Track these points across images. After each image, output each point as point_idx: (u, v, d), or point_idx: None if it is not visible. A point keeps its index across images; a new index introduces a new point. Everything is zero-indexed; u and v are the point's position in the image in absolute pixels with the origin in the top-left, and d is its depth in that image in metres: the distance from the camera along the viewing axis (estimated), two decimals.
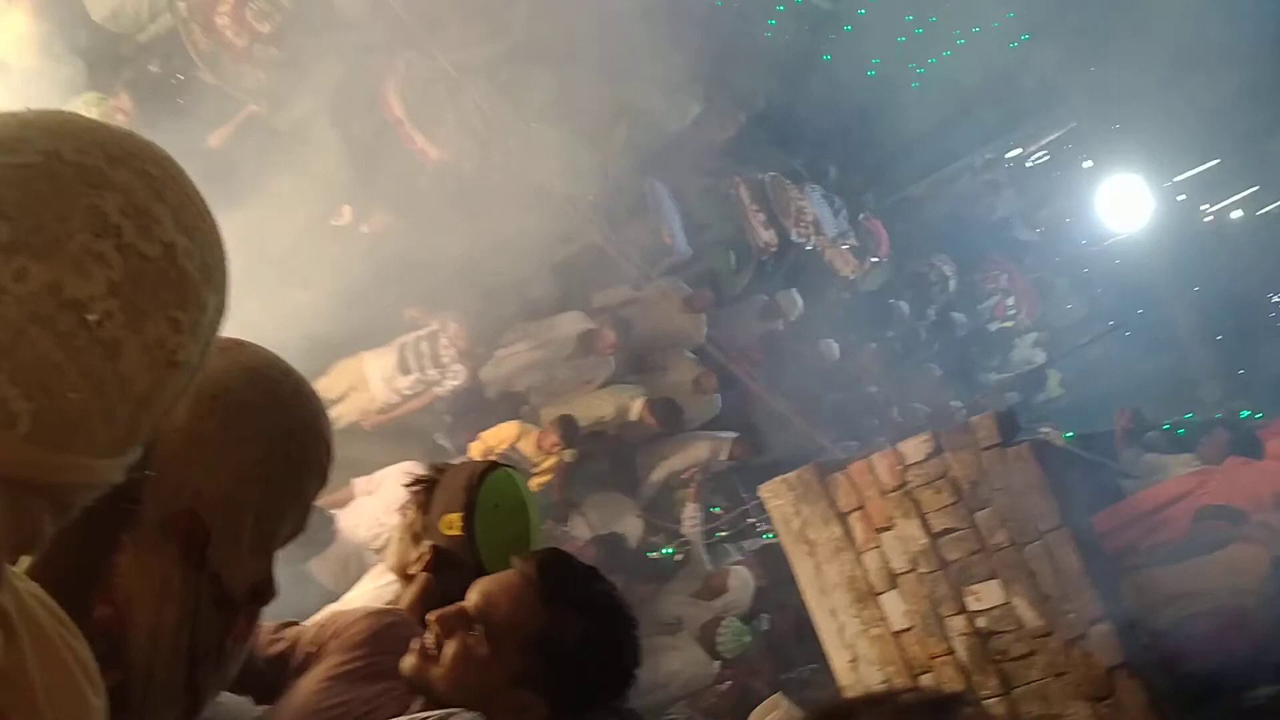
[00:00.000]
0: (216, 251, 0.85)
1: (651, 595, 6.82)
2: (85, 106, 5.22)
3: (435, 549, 2.04)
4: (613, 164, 8.17)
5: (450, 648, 1.64)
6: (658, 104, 8.82)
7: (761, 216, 9.33)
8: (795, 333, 9.36)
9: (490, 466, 2.15)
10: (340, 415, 6.84)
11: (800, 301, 9.32)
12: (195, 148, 5.65)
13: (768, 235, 9.31)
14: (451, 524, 2.04)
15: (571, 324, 7.47)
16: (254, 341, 1.37)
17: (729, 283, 9.06)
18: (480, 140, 7.29)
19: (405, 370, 6.80)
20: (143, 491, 1.14)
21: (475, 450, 6.67)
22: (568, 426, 6.86)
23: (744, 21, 9.77)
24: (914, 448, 5.14)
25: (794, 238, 9.52)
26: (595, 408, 7.41)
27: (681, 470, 7.93)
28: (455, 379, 6.86)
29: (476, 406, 7.35)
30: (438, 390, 6.89)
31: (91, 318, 0.74)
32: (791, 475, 5.36)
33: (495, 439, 6.80)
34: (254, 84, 6.25)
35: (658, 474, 7.96)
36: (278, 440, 1.29)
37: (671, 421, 7.57)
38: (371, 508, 5.67)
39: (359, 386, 6.87)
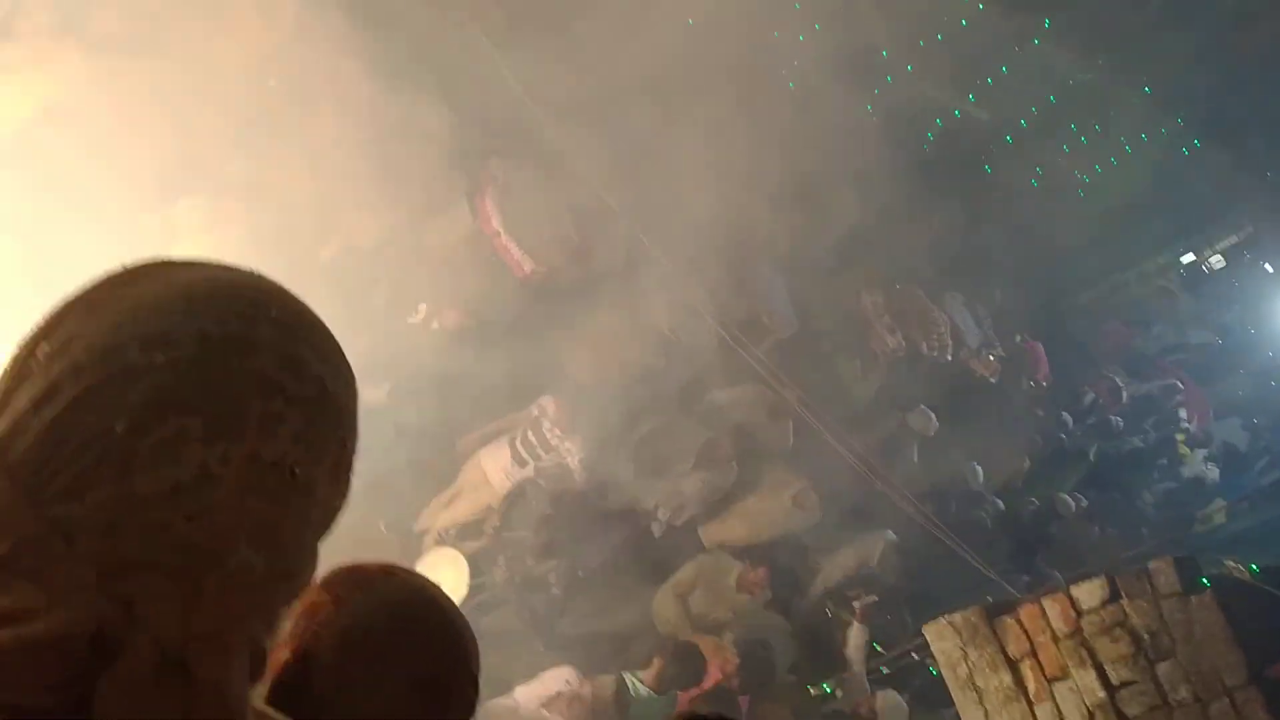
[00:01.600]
0: (343, 362, 0.93)
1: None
2: None
3: None
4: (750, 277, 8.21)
5: None
6: (804, 218, 8.84)
7: (886, 320, 9.07)
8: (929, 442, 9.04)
9: None
10: (457, 518, 7.09)
11: (934, 419, 8.99)
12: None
13: (894, 341, 9.01)
14: None
15: (689, 436, 7.38)
16: (405, 567, 1.42)
17: (855, 390, 8.84)
18: (579, 253, 7.47)
19: (521, 463, 6.98)
20: None
21: None
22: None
23: (901, 133, 9.78)
24: (1088, 593, 4.96)
25: (923, 350, 9.24)
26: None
27: (839, 584, 7.75)
28: (572, 455, 6.98)
29: (595, 517, 7.34)
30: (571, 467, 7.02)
31: (287, 470, 0.83)
32: (957, 616, 5.22)
33: None
34: None
35: (816, 585, 7.81)
36: (422, 681, 1.32)
37: (774, 568, 7.37)
38: (520, 699, 5.77)
39: (480, 484, 7.08)
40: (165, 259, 0.91)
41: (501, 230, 7.36)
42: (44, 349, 0.83)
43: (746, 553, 7.39)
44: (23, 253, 6.55)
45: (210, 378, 0.81)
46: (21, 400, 0.81)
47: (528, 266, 7.33)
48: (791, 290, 8.50)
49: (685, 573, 7.20)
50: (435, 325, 7.35)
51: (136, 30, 6.64)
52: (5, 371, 0.85)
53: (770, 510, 7.57)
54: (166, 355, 0.81)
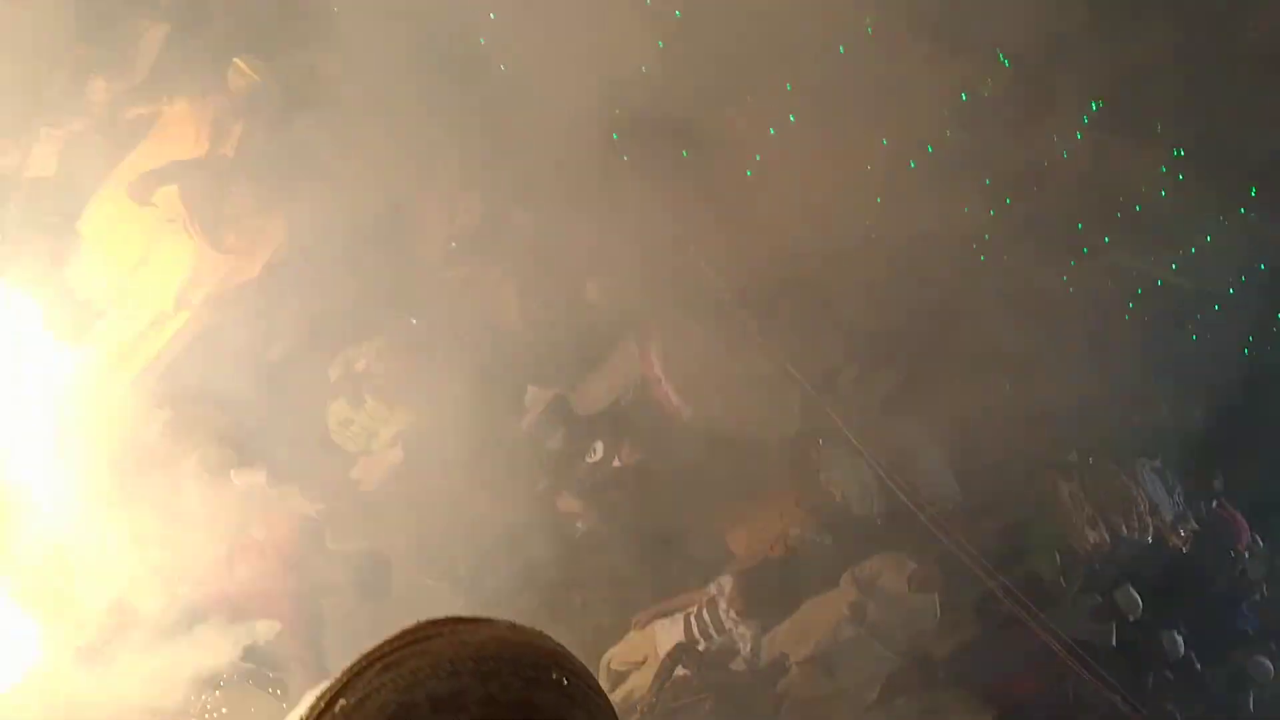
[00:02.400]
0: (609, 713, 0.92)
1: None
2: None
3: None
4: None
5: None
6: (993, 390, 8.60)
7: (1088, 512, 8.62)
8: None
9: None
10: (634, 689, 6.99)
11: (1140, 600, 8.40)
12: None
13: (1095, 536, 8.56)
14: None
15: (872, 659, 7.15)
16: None
17: (1055, 591, 8.31)
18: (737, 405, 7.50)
19: (693, 640, 6.93)
20: None
21: None
22: None
23: (1099, 303, 9.49)
24: None
25: (1123, 533, 8.72)
26: None
27: None
28: (744, 641, 6.87)
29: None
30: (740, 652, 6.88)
31: None
32: None
33: None
34: None
35: None
36: None
37: None
38: None
39: (652, 657, 7.02)
40: (455, 617, 0.95)
41: (663, 376, 7.48)
42: (342, 704, 0.86)
43: None
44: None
45: None
46: None
47: (686, 413, 7.42)
48: (975, 467, 8.24)
49: None
50: (616, 463, 7.48)
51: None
52: None
53: None
54: (455, 719, 0.81)
